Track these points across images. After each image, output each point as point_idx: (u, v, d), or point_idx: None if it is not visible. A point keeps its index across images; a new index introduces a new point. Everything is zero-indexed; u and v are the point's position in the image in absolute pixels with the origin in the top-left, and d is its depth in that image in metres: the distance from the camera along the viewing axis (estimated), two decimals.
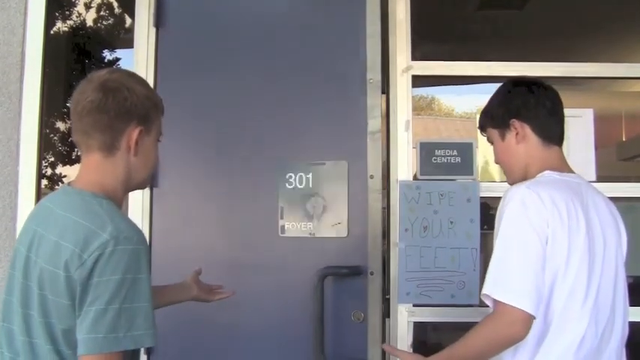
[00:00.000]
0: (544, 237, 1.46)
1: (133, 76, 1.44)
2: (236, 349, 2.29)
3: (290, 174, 2.33)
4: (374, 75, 2.28)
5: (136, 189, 1.48)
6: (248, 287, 2.21)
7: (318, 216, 2.31)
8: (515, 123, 1.65)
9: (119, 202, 1.40)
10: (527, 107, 1.65)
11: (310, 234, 2.31)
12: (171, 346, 2.25)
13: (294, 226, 2.31)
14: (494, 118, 1.71)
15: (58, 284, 1.23)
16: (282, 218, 2.32)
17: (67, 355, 1.25)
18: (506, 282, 1.44)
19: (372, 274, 2.23)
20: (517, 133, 1.65)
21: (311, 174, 2.32)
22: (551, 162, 1.63)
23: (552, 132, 1.66)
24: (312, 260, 2.24)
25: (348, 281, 2.22)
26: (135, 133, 1.37)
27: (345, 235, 2.28)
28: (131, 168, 1.39)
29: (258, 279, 2.27)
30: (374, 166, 2.28)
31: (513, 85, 1.71)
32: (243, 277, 2.26)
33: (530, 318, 1.41)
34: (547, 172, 1.61)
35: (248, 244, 2.33)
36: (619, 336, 1.59)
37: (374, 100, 2.29)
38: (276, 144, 2.35)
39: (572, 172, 1.65)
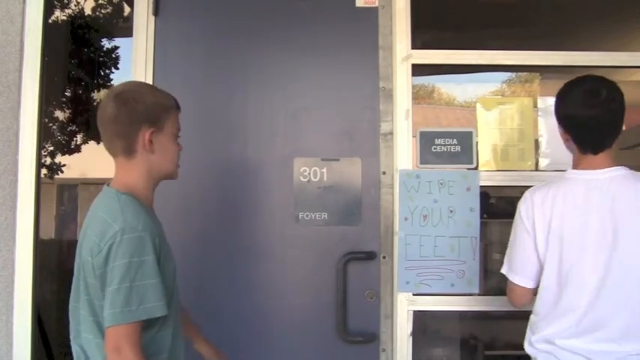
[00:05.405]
0: (530, 228, 1.77)
1: (142, 85, 1.74)
2: (256, 332, 2.39)
3: (304, 168, 2.41)
4: (386, 84, 2.42)
5: (165, 179, 1.71)
6: (264, 272, 2.40)
7: (332, 206, 2.40)
8: (560, 131, 1.83)
9: (144, 195, 1.64)
10: (558, 119, 1.83)
11: (325, 223, 2.39)
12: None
13: (308, 216, 2.40)
14: None
15: (89, 269, 1.53)
16: (296, 208, 2.40)
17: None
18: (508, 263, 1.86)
19: (384, 257, 2.39)
20: (566, 140, 1.84)
21: (325, 169, 2.41)
22: (576, 163, 1.82)
23: (583, 143, 1.79)
24: (328, 247, 2.39)
25: (361, 265, 2.37)
26: (147, 135, 1.61)
27: (359, 224, 2.39)
28: (152, 164, 1.64)
29: (274, 264, 2.41)
30: (386, 164, 2.41)
31: None
32: (258, 263, 2.40)
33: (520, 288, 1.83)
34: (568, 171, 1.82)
35: (263, 233, 2.41)
36: (621, 318, 1.64)
37: (386, 106, 2.42)
38: (289, 141, 2.44)
39: (599, 167, 1.77)
